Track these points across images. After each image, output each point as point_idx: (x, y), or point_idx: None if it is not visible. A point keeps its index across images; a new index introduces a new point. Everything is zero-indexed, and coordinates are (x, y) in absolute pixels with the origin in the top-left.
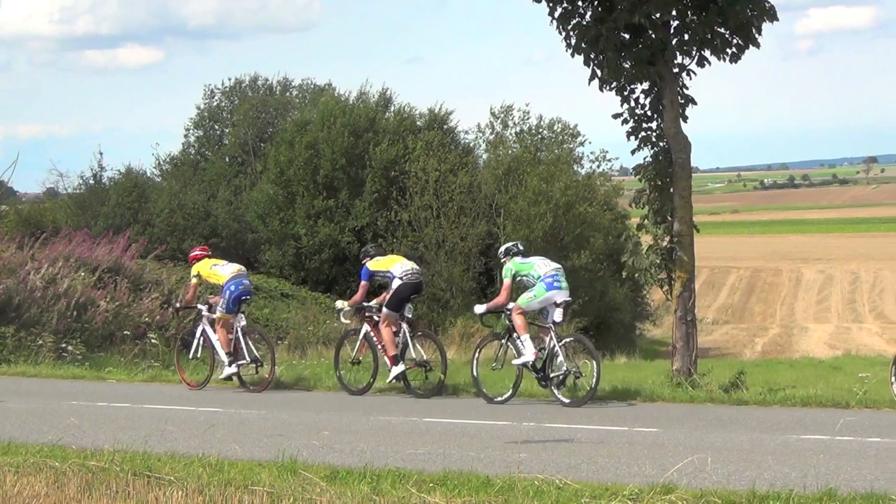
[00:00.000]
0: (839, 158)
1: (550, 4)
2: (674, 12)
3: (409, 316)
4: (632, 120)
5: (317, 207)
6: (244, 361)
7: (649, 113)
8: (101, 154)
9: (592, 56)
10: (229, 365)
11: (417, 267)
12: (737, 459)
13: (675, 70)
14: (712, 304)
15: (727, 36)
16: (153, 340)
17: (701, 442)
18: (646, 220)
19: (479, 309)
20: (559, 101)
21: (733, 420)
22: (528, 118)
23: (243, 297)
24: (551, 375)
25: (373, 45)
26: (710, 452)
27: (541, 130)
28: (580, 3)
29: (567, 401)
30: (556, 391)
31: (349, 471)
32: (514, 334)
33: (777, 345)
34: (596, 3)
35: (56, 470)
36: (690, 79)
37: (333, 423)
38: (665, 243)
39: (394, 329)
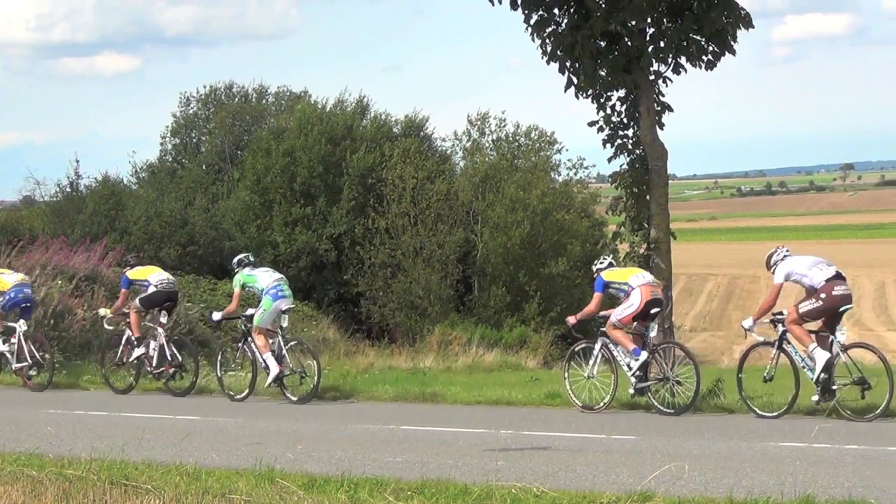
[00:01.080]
0: (816, 165)
1: (526, 12)
2: (649, 20)
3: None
4: (608, 127)
5: (294, 215)
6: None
7: (625, 120)
8: (77, 162)
9: (568, 64)
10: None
11: (172, 277)
12: (714, 467)
13: (651, 77)
14: (690, 311)
15: (703, 43)
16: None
17: (679, 449)
18: (623, 228)
19: (217, 316)
20: (537, 107)
21: (711, 428)
22: (504, 125)
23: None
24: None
25: (350, 53)
26: (688, 460)
27: (518, 138)
28: (556, 11)
29: None
30: None
31: (327, 479)
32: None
33: (755, 352)
34: (572, 10)
35: (33, 479)
36: (667, 86)
37: (311, 431)
38: (642, 250)
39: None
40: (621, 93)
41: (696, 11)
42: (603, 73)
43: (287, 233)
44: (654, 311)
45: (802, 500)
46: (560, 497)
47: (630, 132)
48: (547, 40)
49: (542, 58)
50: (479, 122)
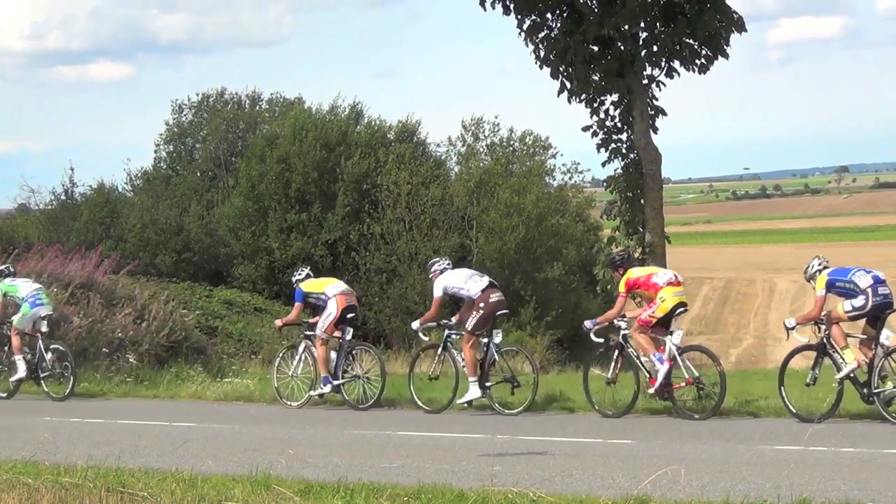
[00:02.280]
0: (811, 168)
1: (519, 17)
2: (642, 24)
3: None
4: (601, 132)
5: (289, 221)
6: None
7: (619, 125)
8: (72, 170)
9: (561, 68)
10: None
11: None
12: (711, 471)
13: (645, 82)
14: (685, 315)
15: (696, 47)
16: (130, 359)
17: (675, 453)
18: (618, 232)
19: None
20: (531, 112)
21: (707, 431)
22: (498, 130)
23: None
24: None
25: (344, 59)
26: (685, 464)
27: (512, 143)
28: (549, 16)
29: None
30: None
31: (323, 485)
32: None
33: (751, 355)
34: (565, 15)
35: (29, 486)
36: (660, 90)
37: (307, 437)
38: (637, 254)
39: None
40: (615, 97)
41: (689, 15)
42: (596, 78)
43: (282, 239)
44: (349, 316)
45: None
46: (557, 501)
47: (624, 136)
48: (540, 45)
49: (536, 63)
50: (473, 127)
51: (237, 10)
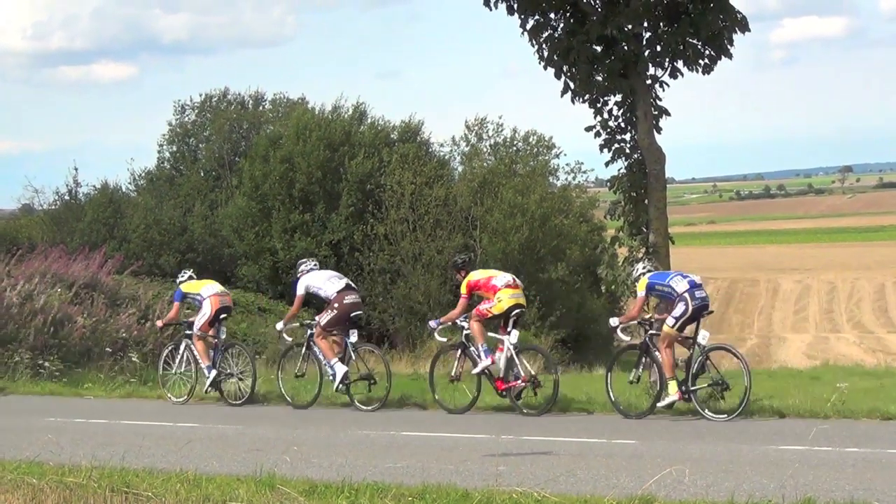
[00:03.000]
0: (814, 168)
1: (522, 17)
2: (645, 24)
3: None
4: (605, 132)
5: (293, 221)
6: None
7: (623, 125)
8: (76, 170)
9: (565, 69)
10: None
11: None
12: (715, 471)
13: (648, 82)
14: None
15: (699, 47)
16: (133, 358)
17: (679, 453)
18: (621, 232)
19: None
20: (535, 112)
21: (711, 431)
22: (502, 130)
23: None
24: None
25: (347, 59)
26: (689, 464)
27: (516, 143)
28: (552, 16)
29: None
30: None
31: (327, 485)
32: None
33: (755, 355)
34: (568, 15)
35: (33, 487)
36: (664, 90)
37: (311, 437)
38: (641, 255)
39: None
40: (618, 97)
41: (693, 15)
42: (599, 78)
43: (286, 239)
44: (222, 316)
45: (803, 503)
46: (561, 502)
47: (627, 137)
48: (543, 45)
49: (540, 63)
50: (476, 127)
51: (239, 10)
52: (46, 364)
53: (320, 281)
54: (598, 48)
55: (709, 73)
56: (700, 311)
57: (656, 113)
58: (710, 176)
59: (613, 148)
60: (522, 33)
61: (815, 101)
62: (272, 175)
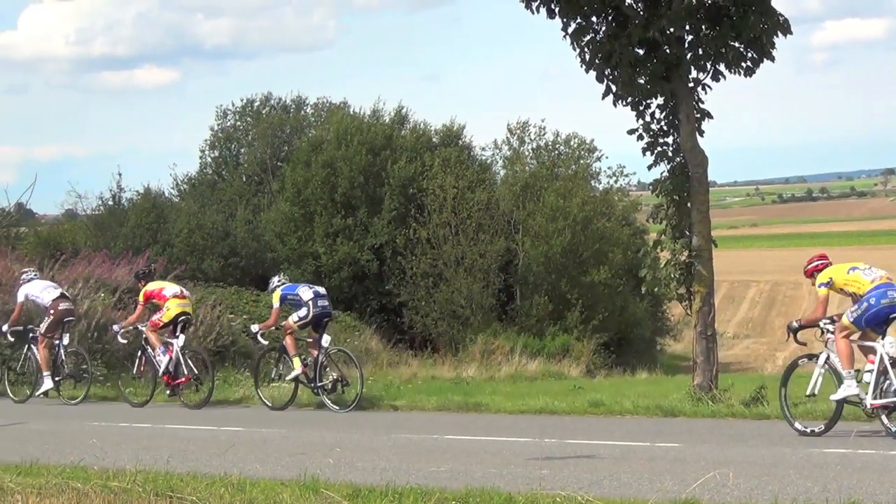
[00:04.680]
0: (857, 171)
1: (564, 20)
2: (687, 27)
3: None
4: (647, 135)
5: (335, 226)
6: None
7: (665, 128)
8: (119, 175)
9: (607, 72)
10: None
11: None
12: (759, 474)
13: (690, 85)
14: (732, 318)
15: (741, 50)
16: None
17: (723, 457)
18: (664, 236)
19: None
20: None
21: (755, 435)
22: (544, 134)
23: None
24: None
25: (388, 63)
26: (732, 467)
27: (557, 146)
28: (594, 20)
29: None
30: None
31: (371, 489)
32: None
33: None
34: (610, 18)
35: (78, 491)
36: (706, 93)
37: (355, 441)
38: (684, 258)
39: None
40: (660, 100)
41: (734, 18)
42: (641, 81)
43: (328, 244)
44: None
45: None
46: None
47: (670, 140)
48: (585, 49)
49: (581, 66)
50: (518, 131)
51: (281, 14)
52: (90, 369)
53: (37, 290)
54: (640, 51)
55: (751, 76)
56: (320, 318)
57: (698, 116)
58: (752, 179)
59: (656, 151)
60: (564, 37)
61: (856, 103)
62: (314, 180)
